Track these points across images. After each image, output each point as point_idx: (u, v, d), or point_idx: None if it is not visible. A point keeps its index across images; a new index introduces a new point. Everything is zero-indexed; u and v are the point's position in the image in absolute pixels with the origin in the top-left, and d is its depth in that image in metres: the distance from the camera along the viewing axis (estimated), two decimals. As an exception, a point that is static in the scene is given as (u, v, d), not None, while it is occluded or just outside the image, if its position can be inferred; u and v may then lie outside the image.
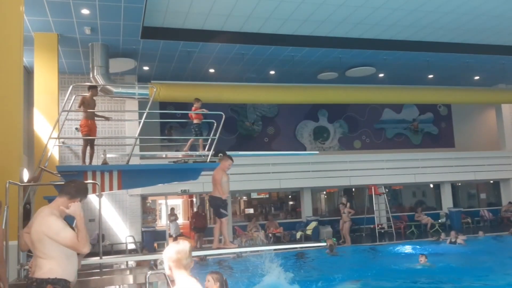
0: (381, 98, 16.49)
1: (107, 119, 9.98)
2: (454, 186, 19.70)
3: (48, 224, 3.32)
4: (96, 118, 9.50)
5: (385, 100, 17.26)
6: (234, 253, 12.23)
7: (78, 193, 3.56)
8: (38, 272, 3.35)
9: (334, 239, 15.32)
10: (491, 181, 20.24)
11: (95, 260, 5.61)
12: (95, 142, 9.39)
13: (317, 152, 16.88)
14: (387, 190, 18.15)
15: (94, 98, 9.07)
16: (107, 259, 6.79)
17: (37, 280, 3.35)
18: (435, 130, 21.42)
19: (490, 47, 14.49)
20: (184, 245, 3.00)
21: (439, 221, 18.03)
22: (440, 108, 21.49)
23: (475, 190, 20.82)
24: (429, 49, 14.14)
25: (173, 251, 2.95)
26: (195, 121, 9.92)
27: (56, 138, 8.64)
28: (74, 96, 9.14)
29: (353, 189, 19.31)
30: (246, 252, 11.58)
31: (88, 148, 8.99)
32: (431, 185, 19.92)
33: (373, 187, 17.00)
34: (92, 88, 9.04)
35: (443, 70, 16.79)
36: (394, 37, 13.35)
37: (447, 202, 18.96)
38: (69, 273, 3.42)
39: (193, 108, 9.92)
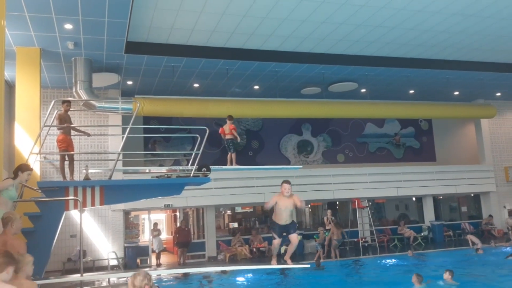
0: (363, 113, 16.70)
1: (87, 134, 9.96)
2: (435, 199, 19.99)
3: None
4: (75, 133, 9.45)
5: (367, 115, 17.49)
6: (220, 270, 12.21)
7: None
8: None
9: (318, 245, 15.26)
10: (472, 194, 20.59)
11: (75, 277, 5.52)
12: (74, 157, 9.34)
13: (301, 166, 16.91)
14: (370, 203, 18.30)
15: (68, 113, 9.04)
16: (88, 276, 6.69)
17: None
18: (416, 144, 21.75)
19: (468, 63, 14.85)
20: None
21: (422, 234, 18.22)
22: (421, 122, 21.86)
23: (456, 203, 21.13)
24: (409, 65, 14.43)
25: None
26: (227, 137, 10.71)
27: (37, 154, 8.55)
28: (56, 111, 9.07)
29: (337, 203, 19.42)
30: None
31: (68, 163, 8.92)
32: (414, 199, 20.16)
33: (356, 201, 17.12)
34: (65, 102, 9.00)
35: (424, 85, 17.14)
36: (376, 54, 13.60)
37: (429, 215, 19.21)
38: None
39: (230, 126, 10.74)
